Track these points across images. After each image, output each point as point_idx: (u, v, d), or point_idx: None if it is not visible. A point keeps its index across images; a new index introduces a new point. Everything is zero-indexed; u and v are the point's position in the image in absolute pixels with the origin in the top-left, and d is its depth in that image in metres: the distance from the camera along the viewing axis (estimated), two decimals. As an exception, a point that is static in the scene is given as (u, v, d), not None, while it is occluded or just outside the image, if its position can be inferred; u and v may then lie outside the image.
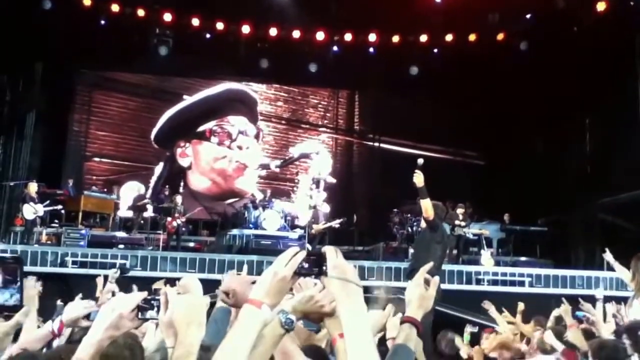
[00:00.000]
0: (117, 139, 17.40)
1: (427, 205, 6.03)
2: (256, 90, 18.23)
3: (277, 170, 18.04)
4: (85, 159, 17.14)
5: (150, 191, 16.18)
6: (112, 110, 17.42)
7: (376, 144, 18.63)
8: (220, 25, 15.51)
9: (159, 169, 17.32)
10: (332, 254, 1.55)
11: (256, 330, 1.49)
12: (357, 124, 19.35)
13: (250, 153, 17.85)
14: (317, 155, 18.32)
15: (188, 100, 17.55)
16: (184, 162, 17.51)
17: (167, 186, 15.66)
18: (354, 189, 18.20)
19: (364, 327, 1.50)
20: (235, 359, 1.44)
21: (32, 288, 3.39)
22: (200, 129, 17.46)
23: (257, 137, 18.04)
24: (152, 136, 17.33)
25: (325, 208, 14.73)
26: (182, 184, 14.82)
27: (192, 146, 17.60)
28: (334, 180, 17.03)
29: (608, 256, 6.04)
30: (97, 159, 17.15)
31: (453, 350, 5.95)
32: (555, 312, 5.82)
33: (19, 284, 1.67)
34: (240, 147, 17.71)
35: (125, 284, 5.56)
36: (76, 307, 2.45)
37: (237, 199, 17.11)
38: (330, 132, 19.25)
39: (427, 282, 1.95)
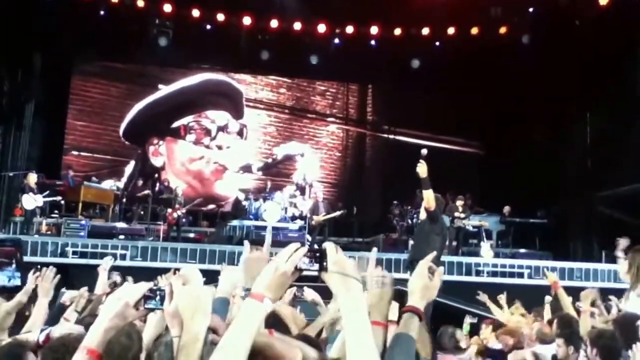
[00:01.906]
0: (98, 130, 16.26)
1: (429, 196, 6.09)
2: (256, 75, 17.19)
3: (259, 173, 16.68)
4: (62, 152, 15.90)
5: (121, 192, 14.59)
6: (92, 97, 16.27)
7: (391, 136, 17.43)
8: (220, 17, 15.45)
9: (129, 168, 16.05)
10: (333, 250, 1.60)
11: (258, 323, 1.53)
12: (369, 114, 18.16)
13: (231, 153, 16.31)
14: (302, 158, 17.08)
15: (162, 90, 16.14)
16: (156, 161, 16.01)
17: (166, 178, 15.19)
18: (367, 184, 17.05)
19: (364, 321, 1.54)
20: (238, 350, 1.48)
21: (48, 279, 3.43)
22: (175, 124, 15.98)
23: (240, 134, 16.57)
24: (121, 130, 15.91)
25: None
26: (157, 185, 13.76)
27: (165, 144, 16.05)
28: (320, 187, 15.88)
29: (623, 244, 5.97)
30: (75, 153, 15.93)
31: (454, 343, 6.00)
32: (547, 299, 5.90)
33: (14, 266, 1.71)
34: (219, 147, 16.15)
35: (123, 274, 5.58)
36: (67, 327, 2.53)
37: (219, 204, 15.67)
38: (340, 123, 18.00)
39: (431, 272, 1.94)
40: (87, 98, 16.40)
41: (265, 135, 17.26)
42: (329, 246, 1.61)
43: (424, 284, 1.91)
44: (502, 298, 6.41)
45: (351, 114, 18.10)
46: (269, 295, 1.54)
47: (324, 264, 1.59)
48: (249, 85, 17.48)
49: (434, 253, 2.09)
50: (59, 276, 3.66)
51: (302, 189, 14.36)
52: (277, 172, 17.15)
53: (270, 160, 17.07)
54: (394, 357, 1.80)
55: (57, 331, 2.57)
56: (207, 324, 1.69)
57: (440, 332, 5.58)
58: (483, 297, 6.65)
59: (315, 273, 1.61)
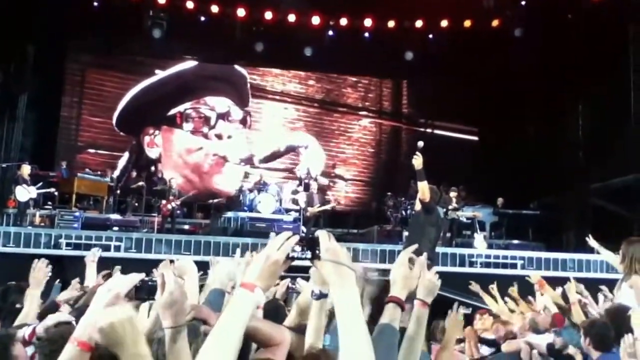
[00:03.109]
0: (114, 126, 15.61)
1: (424, 188, 6.11)
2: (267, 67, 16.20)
3: (261, 166, 15.68)
4: (77, 150, 15.37)
5: (114, 185, 13.72)
6: (108, 92, 15.71)
7: (428, 130, 16.31)
8: (214, 9, 15.37)
9: (123, 160, 15.33)
10: (325, 237, 1.57)
11: (249, 313, 1.51)
12: (405, 107, 17.11)
13: (232, 143, 15.31)
14: (306, 150, 16.25)
15: (158, 75, 15.32)
16: (152, 153, 15.18)
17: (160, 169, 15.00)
18: (405, 183, 15.20)
19: (357, 309, 1.52)
20: (229, 339, 1.47)
21: (41, 271, 3.42)
22: (171, 112, 15.11)
23: (243, 122, 15.67)
24: (114, 119, 15.16)
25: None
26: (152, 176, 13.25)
27: (161, 134, 15.19)
28: (325, 182, 15.10)
29: (592, 241, 6.15)
30: (92, 151, 15.36)
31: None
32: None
33: None
34: (219, 136, 15.16)
35: (109, 266, 5.55)
36: (54, 318, 2.53)
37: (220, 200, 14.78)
38: (374, 117, 16.90)
39: (411, 262, 1.96)
40: (102, 92, 15.86)
41: (293, 131, 16.33)
42: (322, 234, 1.58)
43: (404, 274, 1.94)
44: (494, 288, 6.45)
45: (385, 107, 17.04)
46: (260, 284, 1.52)
47: (317, 252, 1.56)
48: (275, 77, 16.83)
49: (416, 245, 2.10)
50: (50, 267, 3.64)
51: (305, 185, 13.53)
52: (280, 165, 16.26)
53: (272, 151, 16.06)
54: (375, 348, 1.79)
55: (48, 320, 2.57)
56: (143, 346, 1.59)
57: (432, 326, 5.62)
58: (475, 287, 6.69)
59: (308, 261, 1.58)
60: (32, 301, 3.39)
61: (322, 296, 2.10)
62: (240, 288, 1.53)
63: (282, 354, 1.99)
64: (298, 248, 1.55)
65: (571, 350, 4.33)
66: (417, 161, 6.02)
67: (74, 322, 2.38)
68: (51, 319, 2.56)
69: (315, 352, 1.93)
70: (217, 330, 1.49)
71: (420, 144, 6.16)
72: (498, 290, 6.46)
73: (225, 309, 1.55)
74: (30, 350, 2.46)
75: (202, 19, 15.41)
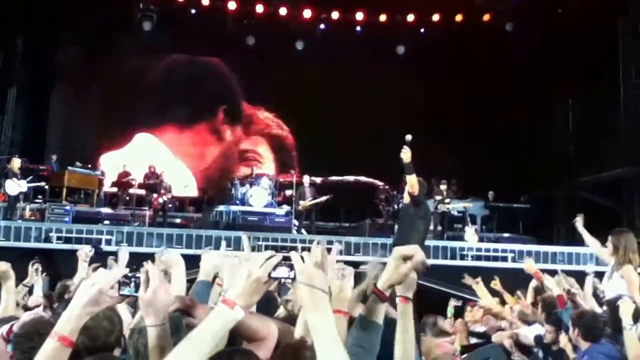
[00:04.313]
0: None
1: (413, 181, 6.10)
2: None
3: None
4: (45, 137, 15.21)
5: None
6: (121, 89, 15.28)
7: None
8: (205, 1, 15.31)
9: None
10: (298, 259, 1.55)
11: (225, 330, 1.52)
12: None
13: None
14: None
15: None
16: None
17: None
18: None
19: (331, 331, 1.52)
20: (198, 353, 1.47)
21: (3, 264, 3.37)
22: None
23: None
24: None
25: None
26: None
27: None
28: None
29: (579, 222, 5.99)
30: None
31: (438, 331, 6.05)
32: (532, 284, 5.97)
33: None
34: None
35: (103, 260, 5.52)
36: (30, 314, 2.53)
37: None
38: None
39: (407, 259, 1.92)
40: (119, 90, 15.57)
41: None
42: (294, 256, 1.56)
43: (393, 267, 1.90)
44: (497, 284, 6.41)
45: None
46: (240, 302, 1.51)
47: None
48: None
49: (420, 256, 2.03)
50: (3, 264, 3.52)
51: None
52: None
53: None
54: (356, 341, 1.79)
55: (25, 317, 2.57)
56: None
57: (422, 321, 5.64)
58: (468, 279, 6.68)
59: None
60: (7, 293, 3.35)
61: None
62: (221, 304, 1.53)
63: (267, 350, 1.98)
64: (285, 269, 1.54)
65: (562, 342, 4.36)
66: (406, 155, 6.02)
67: (50, 320, 2.37)
68: (27, 316, 2.55)
69: (294, 343, 1.93)
70: (190, 339, 1.49)
71: (409, 137, 6.14)
72: (485, 282, 6.45)
73: (203, 321, 1.54)
74: (10, 348, 2.43)
75: (193, 11, 15.34)
